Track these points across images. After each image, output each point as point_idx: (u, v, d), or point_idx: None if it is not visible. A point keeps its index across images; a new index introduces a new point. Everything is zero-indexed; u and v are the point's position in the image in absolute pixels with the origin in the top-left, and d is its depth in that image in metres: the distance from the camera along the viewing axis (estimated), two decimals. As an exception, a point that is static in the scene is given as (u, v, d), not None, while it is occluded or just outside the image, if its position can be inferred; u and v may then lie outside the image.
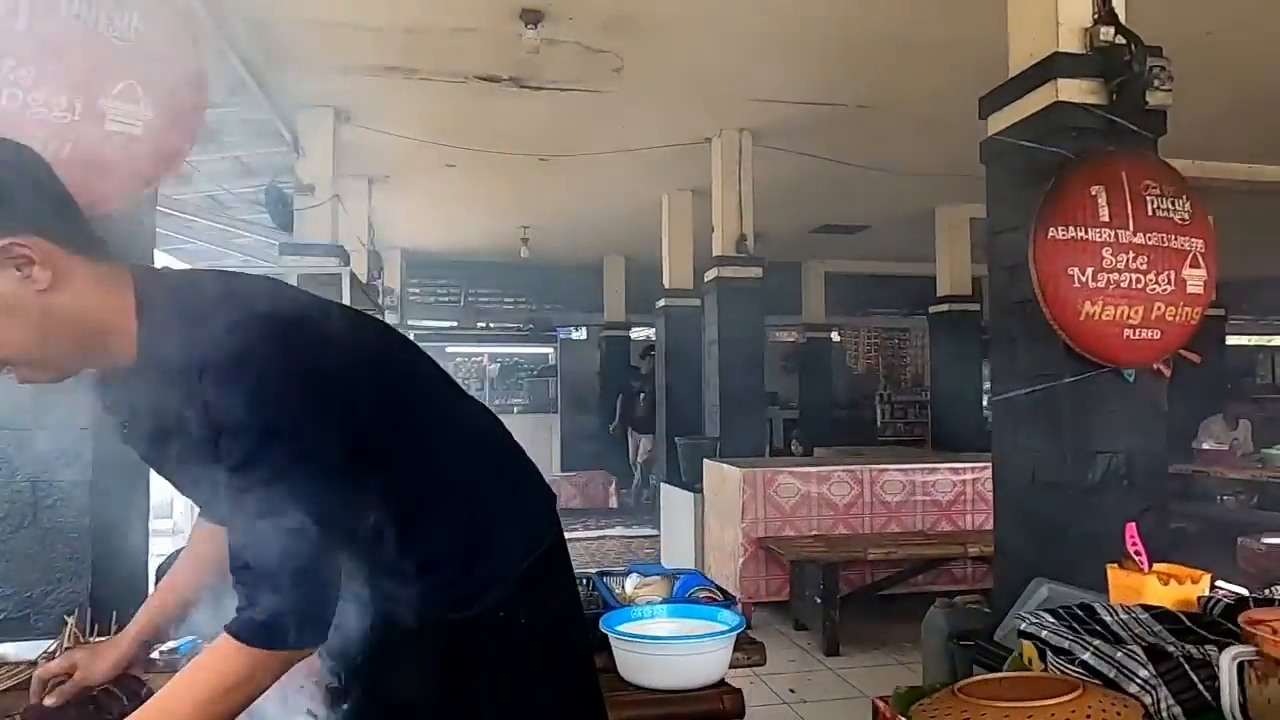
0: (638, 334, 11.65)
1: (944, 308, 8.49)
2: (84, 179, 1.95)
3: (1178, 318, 2.74)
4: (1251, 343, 13.23)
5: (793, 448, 10.61)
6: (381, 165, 7.11)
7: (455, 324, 11.75)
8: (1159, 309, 2.71)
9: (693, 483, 5.68)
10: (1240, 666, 1.16)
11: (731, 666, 2.57)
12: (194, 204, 6.39)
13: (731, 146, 6.37)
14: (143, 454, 1.26)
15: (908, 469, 5.08)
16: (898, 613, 4.66)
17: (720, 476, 5.18)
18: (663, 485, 6.36)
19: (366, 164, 6.98)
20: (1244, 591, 1.65)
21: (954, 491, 5.04)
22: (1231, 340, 10.31)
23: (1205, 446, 6.95)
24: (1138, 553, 1.74)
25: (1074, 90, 2.78)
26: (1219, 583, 1.73)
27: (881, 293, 12.25)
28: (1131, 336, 2.71)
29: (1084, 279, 2.65)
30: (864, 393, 12.78)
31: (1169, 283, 2.72)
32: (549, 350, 11.46)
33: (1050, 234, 2.66)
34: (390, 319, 10.38)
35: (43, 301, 1.00)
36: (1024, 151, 2.88)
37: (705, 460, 5.54)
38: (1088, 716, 1.14)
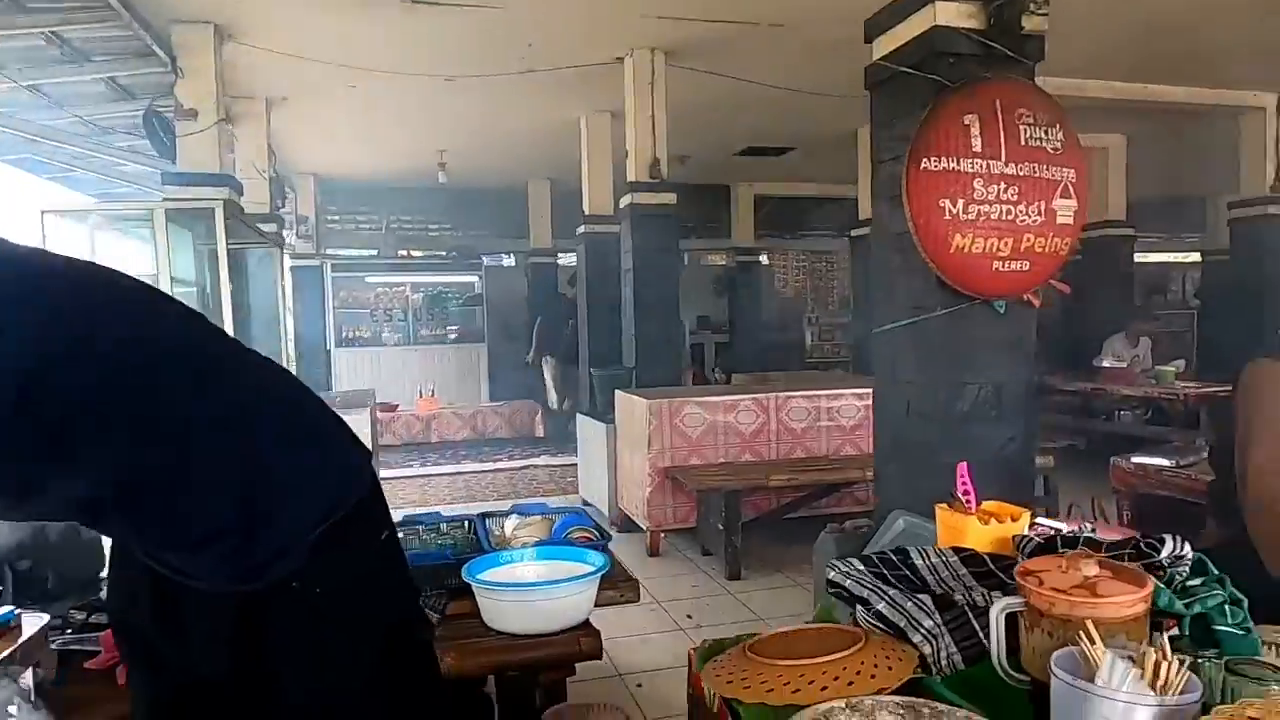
0: (566, 260, 11.47)
1: (864, 230, 8.50)
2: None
3: (1047, 249, 2.76)
4: (1163, 259, 13.64)
5: (714, 375, 10.71)
6: (277, 86, 6.70)
7: (376, 253, 11.39)
8: (1029, 240, 2.73)
9: (606, 413, 5.68)
10: (1013, 616, 1.18)
11: (603, 605, 2.60)
12: (67, 130, 5.94)
13: (643, 66, 6.16)
14: None
15: (813, 395, 5.15)
16: (800, 537, 4.78)
17: (630, 407, 5.18)
18: (579, 416, 6.35)
19: (259, 85, 6.56)
20: (1062, 527, 1.69)
21: (859, 416, 5.13)
22: (1140, 259, 10.59)
23: (1105, 364, 7.19)
24: (966, 494, 1.76)
25: (952, 14, 2.71)
26: (1039, 520, 1.77)
27: (810, 215, 12.23)
28: (1001, 268, 2.72)
29: (955, 211, 2.64)
30: (793, 316, 12.90)
31: (1039, 214, 2.72)
32: (474, 278, 11.21)
33: (923, 165, 2.63)
34: (305, 248, 10.01)
35: None
36: (903, 78, 2.82)
37: (616, 391, 5.53)
38: (859, 669, 1.15)
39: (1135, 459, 3.51)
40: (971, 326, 2.81)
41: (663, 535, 5.01)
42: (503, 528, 2.83)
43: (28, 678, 1.76)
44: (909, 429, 2.93)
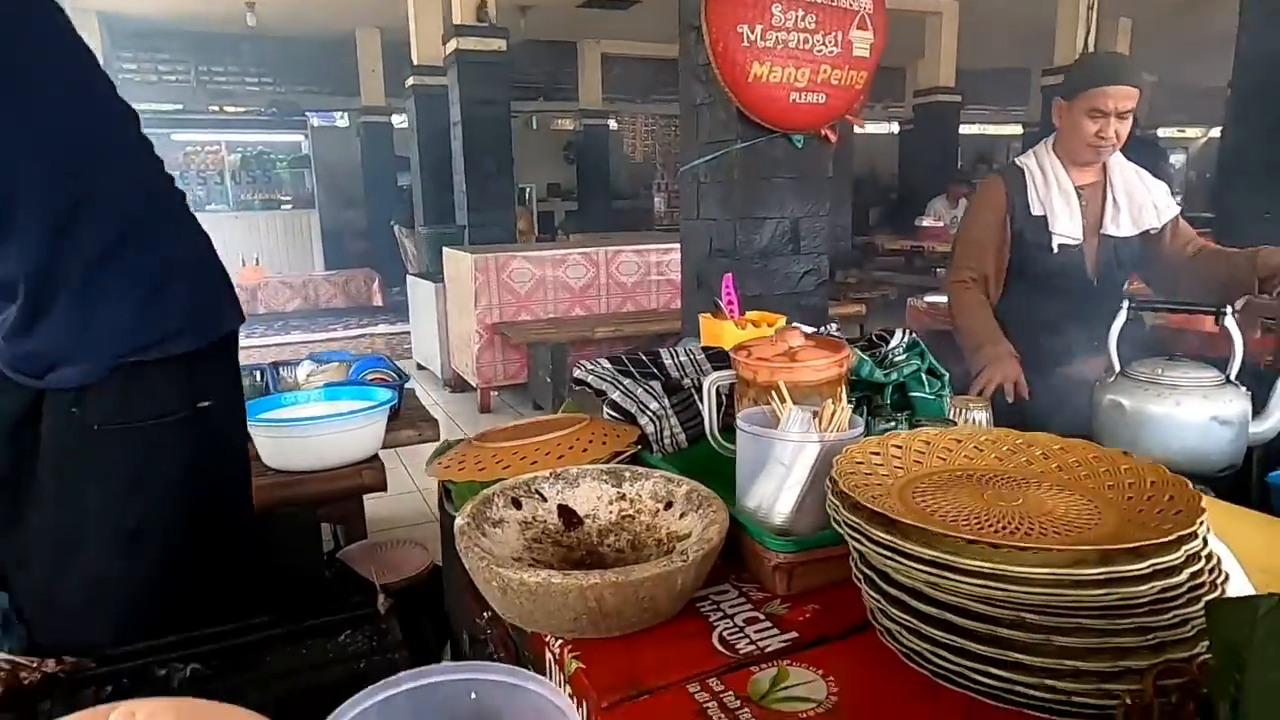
0: (401, 122, 10.73)
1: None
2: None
3: (844, 81, 2.77)
4: (990, 133, 14.36)
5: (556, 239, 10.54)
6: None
7: (181, 107, 10.22)
8: (825, 72, 2.73)
9: (435, 273, 5.48)
10: (731, 389, 1.21)
11: (404, 444, 2.55)
12: None
13: (467, -108, 5.63)
14: None
15: (642, 249, 5.15)
16: (628, 387, 4.87)
17: (458, 264, 5.01)
18: (409, 278, 6.11)
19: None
20: (812, 330, 1.75)
21: (689, 271, 5.19)
22: (967, 130, 11.09)
23: (925, 224, 7.59)
24: (729, 303, 1.79)
25: None
26: (796, 325, 1.83)
27: (660, 78, 11.92)
28: (799, 100, 2.72)
29: (753, 38, 2.58)
30: (644, 181, 12.79)
31: (836, 44, 2.72)
32: (301, 138, 10.32)
33: (721, -13, 2.54)
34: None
35: None
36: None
37: (444, 248, 5.32)
38: (573, 446, 1.15)
39: (928, 299, 3.75)
40: (770, 162, 2.82)
41: (494, 392, 4.98)
42: (295, 375, 2.70)
43: None
44: (711, 267, 2.97)
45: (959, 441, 0.95)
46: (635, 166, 12.91)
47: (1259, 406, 1.43)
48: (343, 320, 8.31)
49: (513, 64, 6.65)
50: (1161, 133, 12.77)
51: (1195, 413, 1.38)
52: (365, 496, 2.24)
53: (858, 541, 0.76)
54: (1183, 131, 14.75)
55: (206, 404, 1.26)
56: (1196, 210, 4.41)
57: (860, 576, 0.79)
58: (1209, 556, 0.69)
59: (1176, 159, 13.41)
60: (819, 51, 2.69)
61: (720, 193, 2.88)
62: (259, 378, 2.73)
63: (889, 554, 0.72)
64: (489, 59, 5.96)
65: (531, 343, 4.55)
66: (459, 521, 0.91)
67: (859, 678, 0.77)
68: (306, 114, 10.46)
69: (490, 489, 1.01)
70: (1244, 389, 1.41)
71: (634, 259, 5.10)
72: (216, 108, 10.34)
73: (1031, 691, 0.66)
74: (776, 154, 2.82)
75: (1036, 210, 2.07)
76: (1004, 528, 0.75)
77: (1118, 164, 2.09)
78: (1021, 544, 0.67)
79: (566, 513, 1.03)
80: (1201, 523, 0.68)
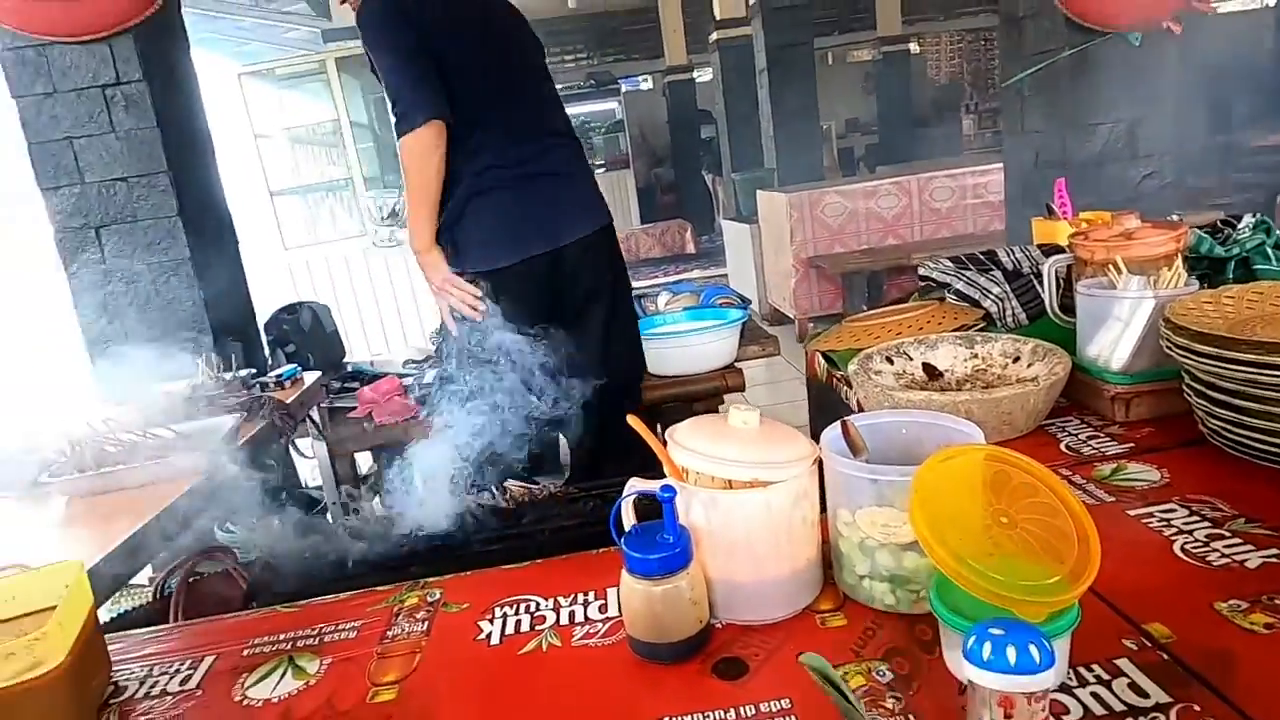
0: (704, 77, 11.27)
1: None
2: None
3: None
4: None
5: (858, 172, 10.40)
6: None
7: (518, 90, 11.66)
8: (1166, -40, 2.60)
9: (750, 215, 5.88)
10: (1069, 271, 1.40)
11: (750, 359, 2.98)
12: (240, 4, 6.50)
13: None
14: None
15: (955, 173, 5.08)
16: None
17: (770, 205, 5.35)
18: (724, 222, 6.58)
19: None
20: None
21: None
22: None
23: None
24: (1062, 206, 1.91)
25: None
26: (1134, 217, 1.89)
27: (963, -10, 11.16)
28: (1134, -5, 2.63)
29: (1081, -61, 2.55)
30: (950, 105, 12.09)
31: (1179, -71, 2.57)
32: (614, 105, 11.29)
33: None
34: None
35: None
36: None
37: (758, 191, 5.69)
38: (929, 321, 1.43)
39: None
40: (1102, 64, 2.75)
41: (810, 322, 5.29)
42: (656, 304, 3.24)
43: (314, 414, 2.39)
44: (1037, 178, 2.98)
45: (1295, 292, 1.08)
46: (939, 90, 12.26)
47: None
48: (661, 268, 9.11)
49: (813, 3, 6.76)
50: None
51: None
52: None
53: (1186, 358, 0.97)
54: None
55: None
56: None
57: (1190, 390, 0.99)
58: None
59: None
60: (1158, -60, 2.57)
61: (1045, 104, 2.88)
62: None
63: (1213, 363, 0.92)
64: (792, 3, 6.15)
65: (847, 273, 4.78)
66: (851, 368, 1.25)
67: (1188, 470, 0.98)
68: (619, 81, 11.39)
69: (867, 350, 1.33)
70: None
71: (947, 184, 5.07)
72: (545, 87, 11.65)
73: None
74: (1109, 55, 2.75)
75: None
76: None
77: None
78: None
79: (929, 368, 1.32)
80: None
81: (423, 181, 1.84)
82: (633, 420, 0.83)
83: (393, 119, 1.87)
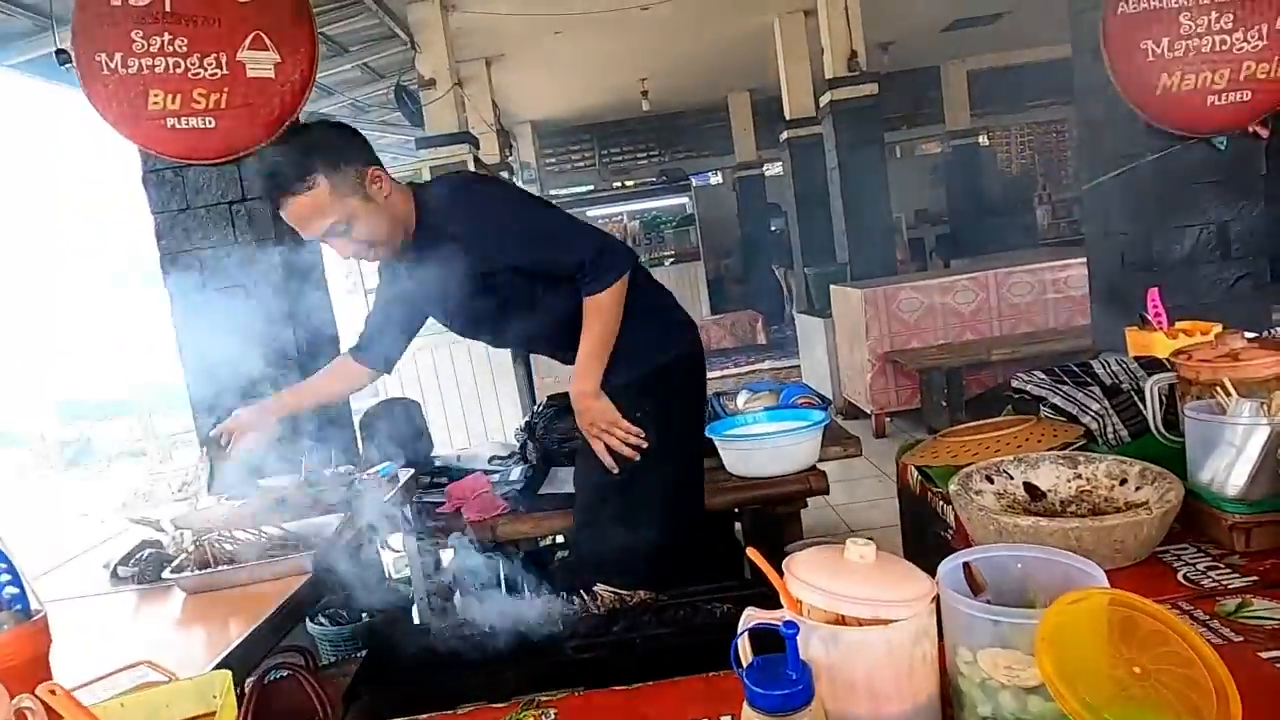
0: (773, 171, 11.55)
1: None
2: (243, 122, 2.46)
3: (1272, 73, 2.62)
4: None
5: (933, 267, 10.37)
6: (494, 45, 7.41)
7: (592, 187, 12.14)
8: (1249, 68, 2.61)
9: (823, 309, 5.92)
10: (1171, 389, 1.39)
11: (831, 459, 2.95)
12: (338, 115, 7.02)
13: (831, -43, 6.11)
14: (457, 325, 1.99)
15: (1035, 269, 5.04)
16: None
17: (845, 300, 5.38)
18: (797, 315, 6.62)
19: (480, 47, 7.30)
20: (1249, 334, 1.79)
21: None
22: None
23: None
24: (1156, 316, 1.90)
25: None
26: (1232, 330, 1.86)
27: (1030, 84, 11.24)
28: (1217, 102, 2.64)
29: (1159, 50, 2.60)
30: (1021, 196, 12.05)
31: (1260, 37, 2.59)
32: (685, 200, 11.63)
33: (1120, 9, 2.60)
34: (531, 190, 10.95)
35: (389, 205, 1.72)
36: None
37: (831, 285, 5.73)
38: (1029, 438, 1.42)
39: None
40: (1187, 168, 2.75)
41: (888, 418, 5.23)
42: (736, 402, 3.26)
43: (407, 510, 2.46)
44: (1124, 280, 2.95)
45: None
46: (1010, 180, 12.24)
47: None
48: (732, 359, 9.15)
49: (881, 103, 6.93)
50: None
51: None
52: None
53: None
54: None
55: None
56: None
57: (1318, 525, 0.97)
58: None
59: None
60: (1239, 49, 2.59)
61: (1130, 205, 2.87)
62: (707, 405, 3.33)
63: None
64: (861, 104, 6.32)
65: (924, 369, 4.73)
66: (953, 487, 1.25)
67: (1323, 609, 0.95)
68: (690, 177, 11.76)
69: (968, 468, 1.33)
70: None
71: (1026, 279, 5.03)
72: (618, 184, 12.10)
73: None
74: (1194, 159, 2.75)
75: None
76: None
77: None
78: None
79: (1031, 488, 1.31)
80: None
81: (614, 330, 1.84)
82: (752, 553, 0.85)
83: (580, 277, 1.81)
